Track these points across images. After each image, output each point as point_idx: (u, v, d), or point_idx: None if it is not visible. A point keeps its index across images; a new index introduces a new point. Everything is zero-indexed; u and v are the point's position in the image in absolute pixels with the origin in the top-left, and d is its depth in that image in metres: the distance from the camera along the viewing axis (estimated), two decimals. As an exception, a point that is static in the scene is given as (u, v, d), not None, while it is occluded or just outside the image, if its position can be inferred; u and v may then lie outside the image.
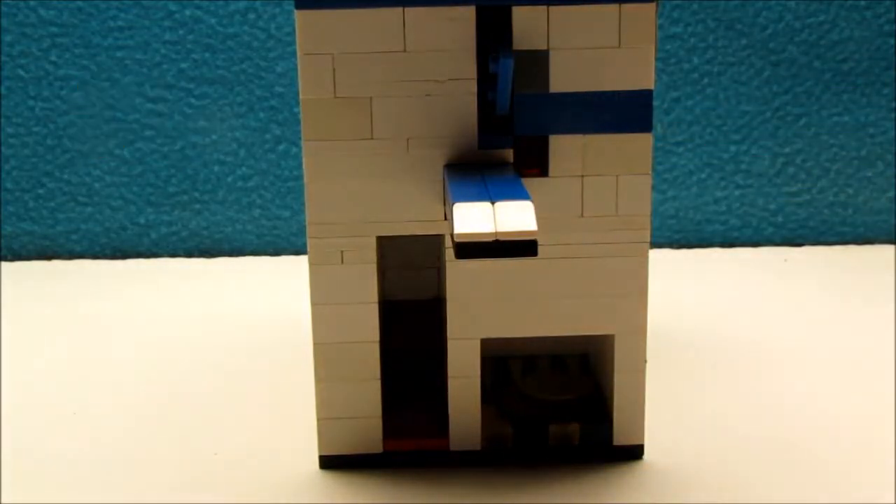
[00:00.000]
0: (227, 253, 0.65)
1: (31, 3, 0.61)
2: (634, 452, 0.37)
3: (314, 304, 0.35)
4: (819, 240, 0.66)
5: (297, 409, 0.39)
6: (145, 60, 0.62)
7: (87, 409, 0.42)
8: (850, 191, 0.65)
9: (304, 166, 0.35)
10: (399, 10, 0.33)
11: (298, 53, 0.34)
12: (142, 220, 0.64)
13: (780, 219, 0.66)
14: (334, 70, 0.34)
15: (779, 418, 0.40)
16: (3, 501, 0.33)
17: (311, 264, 0.35)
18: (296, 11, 0.33)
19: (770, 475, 0.36)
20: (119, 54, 0.62)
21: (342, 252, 0.35)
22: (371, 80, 0.34)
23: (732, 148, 0.65)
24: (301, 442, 0.38)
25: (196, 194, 0.64)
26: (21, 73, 0.62)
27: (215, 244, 0.65)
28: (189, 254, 0.65)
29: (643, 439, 0.37)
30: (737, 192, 0.65)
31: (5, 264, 0.63)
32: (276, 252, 0.64)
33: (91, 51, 0.62)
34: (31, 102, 0.62)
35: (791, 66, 0.64)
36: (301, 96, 0.34)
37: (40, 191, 0.63)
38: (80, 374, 0.46)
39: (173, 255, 0.65)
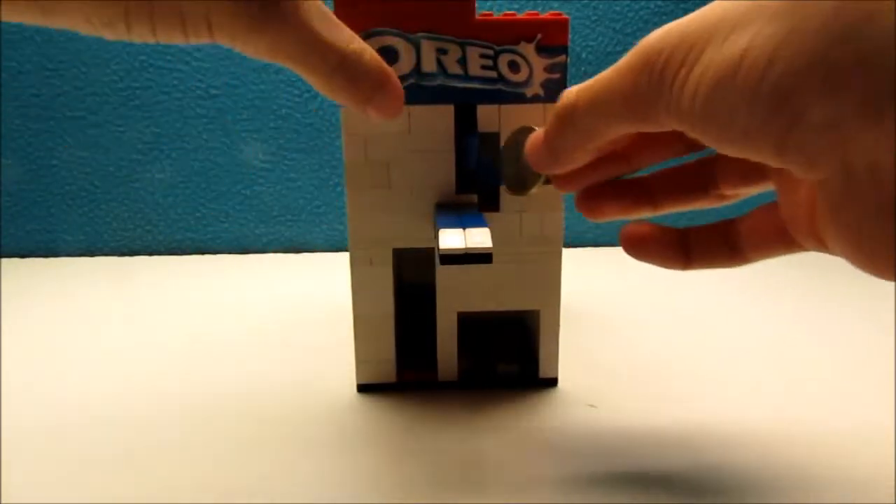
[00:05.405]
0: (306, 251, 0.62)
1: (200, 109, 0.58)
2: (552, 382, 0.33)
3: (354, 290, 0.32)
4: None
5: (343, 356, 0.35)
6: (259, 137, 0.59)
7: (195, 343, 0.39)
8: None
9: (347, 205, 0.31)
10: (406, 107, 0.29)
11: (343, 135, 0.30)
12: (257, 232, 0.61)
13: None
14: (366, 144, 0.30)
15: (650, 356, 0.37)
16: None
17: (351, 266, 0.31)
18: (341, 110, 0.29)
19: (642, 396, 0.32)
20: (244, 134, 0.59)
21: (371, 258, 0.31)
22: (389, 150, 0.30)
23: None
24: (344, 376, 0.34)
25: (289, 216, 0.61)
26: (185, 145, 0.59)
27: (300, 246, 0.62)
28: (285, 251, 0.62)
29: (557, 374, 0.33)
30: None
31: (165, 258, 0.60)
32: (336, 250, 0.61)
33: (227, 132, 0.59)
34: (193, 162, 0.59)
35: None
36: (345, 160, 0.30)
37: (197, 214, 0.60)
38: (214, 310, 0.43)
39: (275, 252, 0.62)
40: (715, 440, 0.28)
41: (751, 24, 0.17)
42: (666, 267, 0.25)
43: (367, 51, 0.24)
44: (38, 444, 0.29)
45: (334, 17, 0.24)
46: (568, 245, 0.61)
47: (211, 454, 0.28)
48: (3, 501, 0.25)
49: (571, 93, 0.22)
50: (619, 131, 0.21)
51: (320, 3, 0.23)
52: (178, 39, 0.19)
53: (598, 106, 0.21)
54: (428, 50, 0.29)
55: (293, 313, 0.45)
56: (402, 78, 0.29)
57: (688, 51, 0.18)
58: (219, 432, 0.30)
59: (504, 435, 0.29)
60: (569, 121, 0.22)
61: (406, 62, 0.29)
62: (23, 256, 0.60)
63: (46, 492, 0.25)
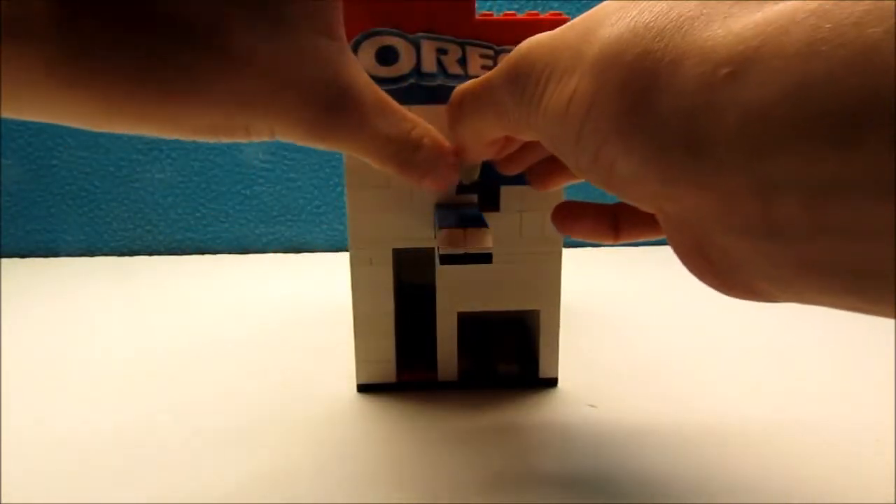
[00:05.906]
0: (306, 251, 0.62)
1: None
2: (552, 382, 0.33)
3: (354, 290, 0.32)
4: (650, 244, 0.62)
5: (343, 356, 0.35)
6: (259, 138, 0.59)
7: (208, 336, 0.39)
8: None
9: (347, 204, 0.31)
10: (407, 107, 0.29)
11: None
12: (258, 232, 0.61)
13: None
14: (366, 144, 0.30)
15: (650, 356, 0.37)
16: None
17: (351, 266, 0.31)
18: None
19: (642, 396, 0.32)
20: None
21: (371, 258, 0.31)
22: (388, 151, 0.30)
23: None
24: (344, 376, 0.34)
25: (289, 216, 0.61)
26: (185, 145, 0.59)
27: (300, 246, 0.62)
28: (285, 251, 0.62)
29: (557, 374, 0.33)
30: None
31: (165, 258, 0.60)
32: (336, 250, 0.61)
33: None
34: (193, 162, 0.60)
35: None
36: (345, 160, 0.30)
37: (197, 214, 0.60)
38: (219, 308, 0.43)
39: (275, 252, 0.62)
40: (715, 440, 0.28)
41: (576, 71, 0.17)
42: (597, 241, 0.26)
43: (426, 136, 0.24)
44: (38, 443, 0.29)
45: (395, 105, 0.23)
46: (568, 245, 0.61)
47: (210, 454, 0.28)
48: (3, 501, 0.25)
49: (457, 92, 0.23)
50: (498, 134, 0.22)
51: (380, 93, 0.22)
52: (241, 140, 0.21)
53: (476, 110, 0.22)
54: (428, 50, 0.29)
55: (293, 313, 0.45)
56: (402, 78, 0.29)
57: (540, 75, 0.18)
58: (218, 432, 0.29)
59: (504, 435, 0.29)
60: (457, 120, 0.23)
61: (406, 62, 0.29)
62: (23, 256, 0.60)
63: (46, 492, 0.25)
